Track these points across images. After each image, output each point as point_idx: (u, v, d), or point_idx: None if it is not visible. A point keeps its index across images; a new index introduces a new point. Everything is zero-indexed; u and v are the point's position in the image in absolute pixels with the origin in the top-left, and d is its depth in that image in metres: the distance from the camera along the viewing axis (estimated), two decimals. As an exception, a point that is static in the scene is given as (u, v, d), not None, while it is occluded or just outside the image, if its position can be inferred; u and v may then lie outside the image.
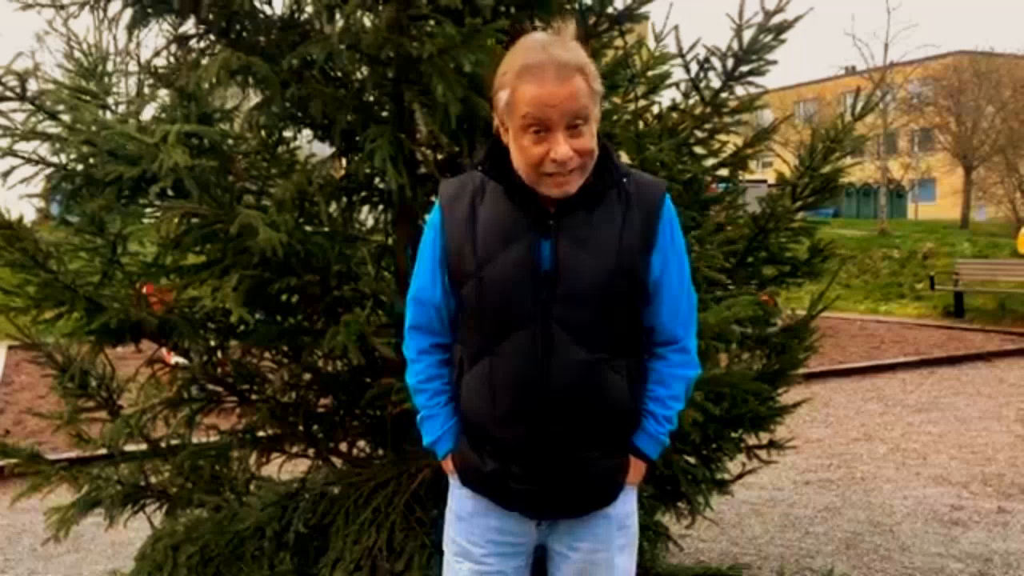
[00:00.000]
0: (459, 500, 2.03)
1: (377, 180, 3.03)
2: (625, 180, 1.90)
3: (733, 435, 3.38)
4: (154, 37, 3.10)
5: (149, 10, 2.99)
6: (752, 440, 3.52)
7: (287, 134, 3.21)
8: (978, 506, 5.10)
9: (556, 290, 1.82)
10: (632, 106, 3.33)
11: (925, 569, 4.18)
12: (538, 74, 1.73)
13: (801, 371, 3.52)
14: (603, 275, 1.83)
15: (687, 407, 2.68)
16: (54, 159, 2.84)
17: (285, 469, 3.38)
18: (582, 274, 1.82)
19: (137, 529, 3.40)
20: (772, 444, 3.59)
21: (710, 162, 3.45)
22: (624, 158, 3.07)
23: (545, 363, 1.82)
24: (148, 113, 3.17)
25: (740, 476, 3.59)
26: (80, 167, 2.79)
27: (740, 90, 3.43)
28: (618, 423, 1.94)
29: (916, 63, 33.18)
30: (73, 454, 3.63)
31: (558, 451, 1.88)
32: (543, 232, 1.84)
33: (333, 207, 3.09)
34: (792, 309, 3.64)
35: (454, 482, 2.04)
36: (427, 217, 3.08)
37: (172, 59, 3.09)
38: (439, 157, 3.06)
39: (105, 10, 3.01)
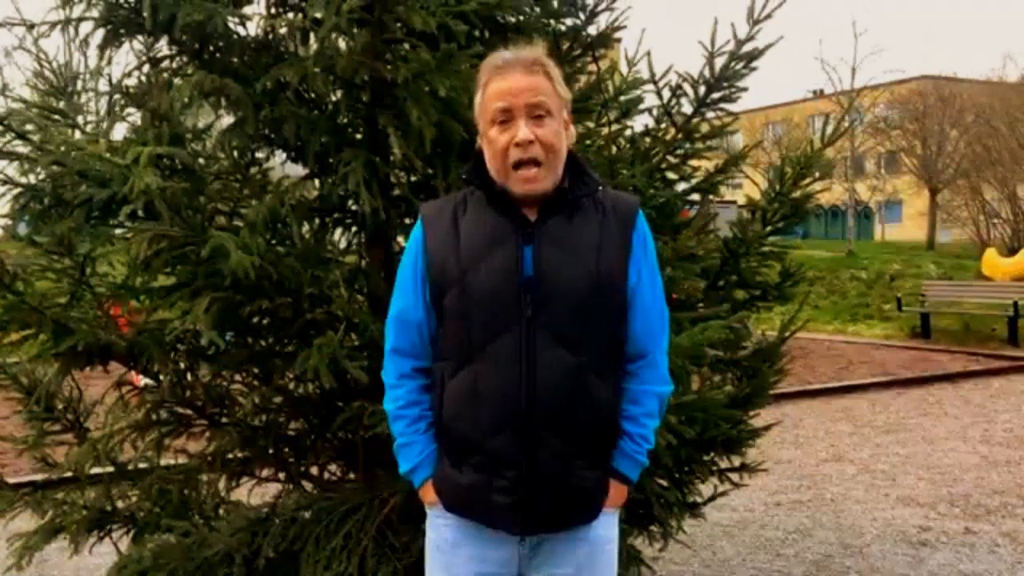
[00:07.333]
0: (438, 530, 1.99)
1: (350, 202, 3.03)
2: (600, 190, 1.96)
3: (705, 458, 3.39)
4: (125, 56, 3.09)
5: (121, 30, 2.97)
6: (724, 463, 3.53)
7: (260, 155, 3.20)
8: (945, 527, 5.15)
9: (539, 295, 1.84)
10: (605, 131, 3.36)
11: (894, 590, 4.22)
12: (505, 71, 1.87)
13: (771, 392, 3.55)
14: (584, 280, 1.86)
15: (661, 431, 2.71)
16: (22, 179, 2.81)
17: (255, 493, 3.34)
18: (564, 279, 1.85)
19: (103, 555, 3.33)
20: (743, 467, 3.60)
21: (682, 187, 3.48)
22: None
23: (530, 368, 1.83)
24: (119, 133, 3.15)
25: (712, 499, 3.60)
26: (49, 188, 2.76)
27: (712, 115, 3.47)
28: (602, 431, 1.94)
29: (883, 87, 33.80)
30: (37, 477, 3.55)
31: (542, 459, 1.86)
32: (525, 238, 1.87)
33: (306, 229, 3.08)
34: (762, 331, 3.67)
35: (433, 512, 2.00)
36: (400, 240, 3.10)
37: (144, 79, 3.07)
38: (413, 180, 3.06)
39: (76, 30, 2.98)
